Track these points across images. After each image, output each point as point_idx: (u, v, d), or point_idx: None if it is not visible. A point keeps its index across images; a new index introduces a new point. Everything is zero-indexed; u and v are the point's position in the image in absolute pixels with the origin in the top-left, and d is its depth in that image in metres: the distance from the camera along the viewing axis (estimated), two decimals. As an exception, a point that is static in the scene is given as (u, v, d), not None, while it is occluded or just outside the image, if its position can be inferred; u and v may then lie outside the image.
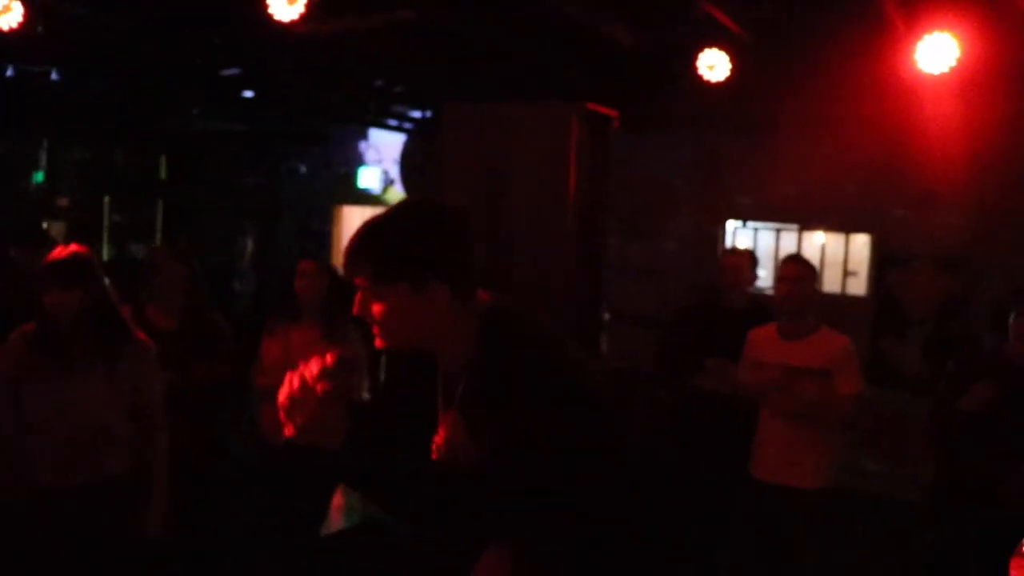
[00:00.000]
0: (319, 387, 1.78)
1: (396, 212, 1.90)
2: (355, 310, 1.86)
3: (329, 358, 1.79)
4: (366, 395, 5.70)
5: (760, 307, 4.76)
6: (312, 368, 1.81)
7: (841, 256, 8.68)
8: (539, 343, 1.85)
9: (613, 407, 1.89)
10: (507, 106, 4.97)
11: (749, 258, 4.89)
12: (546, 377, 1.76)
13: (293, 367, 4.50)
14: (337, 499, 6.07)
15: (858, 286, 8.57)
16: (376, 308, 1.83)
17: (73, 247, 3.37)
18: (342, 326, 4.34)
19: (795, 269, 4.16)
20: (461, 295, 1.85)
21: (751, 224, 9.13)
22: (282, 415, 1.82)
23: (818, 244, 8.85)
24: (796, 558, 4.09)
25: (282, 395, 1.81)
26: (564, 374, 1.81)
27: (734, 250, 6.13)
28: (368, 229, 1.85)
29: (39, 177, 11.83)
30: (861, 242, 8.62)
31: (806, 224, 8.75)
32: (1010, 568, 2.14)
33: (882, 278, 8.21)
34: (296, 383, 1.81)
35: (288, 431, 1.82)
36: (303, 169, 11.30)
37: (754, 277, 4.88)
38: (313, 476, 3.98)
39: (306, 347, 4.06)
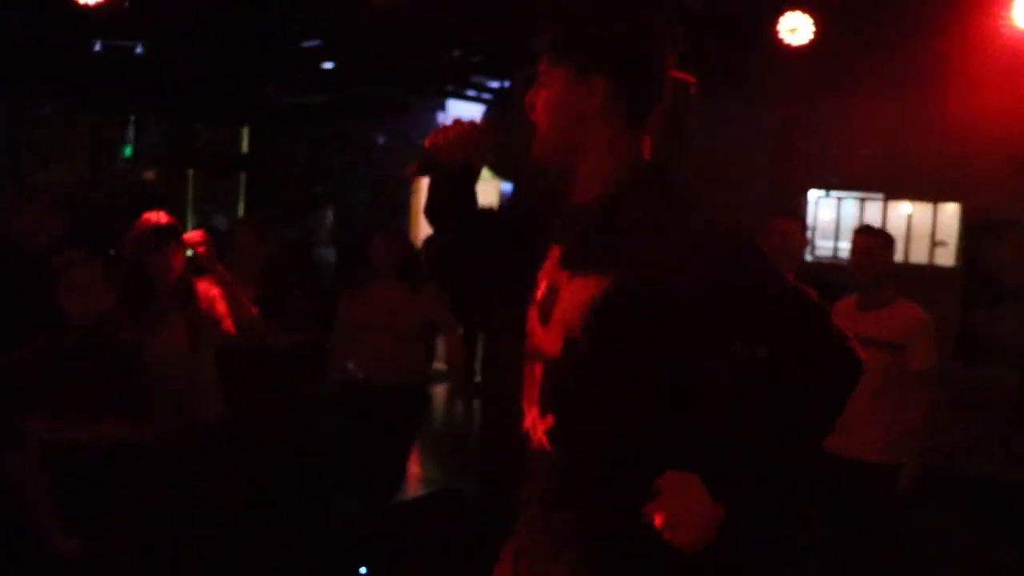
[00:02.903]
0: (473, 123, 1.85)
1: None
2: (525, 100, 1.80)
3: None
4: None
5: (813, 276, 4.63)
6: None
7: (929, 226, 8.42)
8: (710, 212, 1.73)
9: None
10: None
11: (798, 224, 4.80)
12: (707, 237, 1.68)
13: (378, 321, 4.66)
14: (414, 468, 6.14)
15: (947, 257, 8.31)
16: (541, 96, 1.77)
17: (161, 213, 3.48)
18: (424, 282, 4.47)
19: (866, 240, 4.05)
20: (624, 108, 1.73)
21: (834, 194, 8.91)
22: (428, 140, 1.91)
23: (904, 214, 8.59)
24: (864, 533, 4.01)
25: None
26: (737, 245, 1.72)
27: (784, 215, 6.02)
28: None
29: (127, 152, 12.15)
30: (950, 211, 8.34)
31: (892, 193, 8.50)
32: None
33: (973, 248, 7.93)
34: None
35: (427, 141, 1.92)
36: (381, 140, 11.38)
37: (804, 243, 4.78)
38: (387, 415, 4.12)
39: (393, 300, 4.45)
